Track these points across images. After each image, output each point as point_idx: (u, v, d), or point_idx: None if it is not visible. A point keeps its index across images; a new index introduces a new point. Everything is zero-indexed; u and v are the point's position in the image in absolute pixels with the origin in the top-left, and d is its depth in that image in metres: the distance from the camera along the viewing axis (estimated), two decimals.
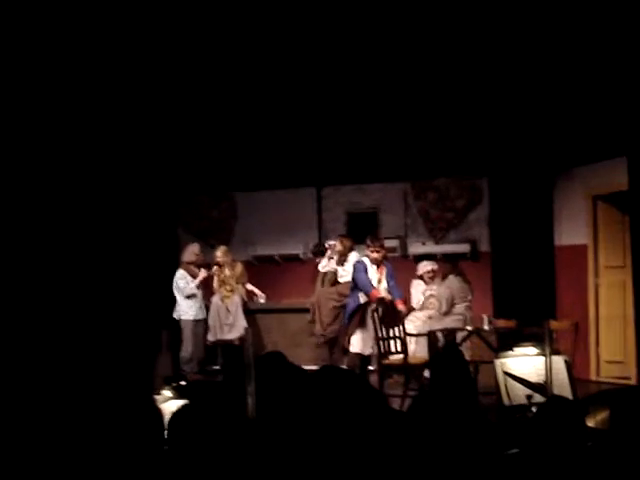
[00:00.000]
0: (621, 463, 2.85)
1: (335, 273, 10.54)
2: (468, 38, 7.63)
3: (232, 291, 10.62)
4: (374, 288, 8.81)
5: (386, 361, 8.48)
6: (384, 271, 9.04)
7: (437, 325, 9.09)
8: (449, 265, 9.74)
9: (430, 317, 9.69)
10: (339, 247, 10.38)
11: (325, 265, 10.65)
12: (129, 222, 10.56)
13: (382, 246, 9.14)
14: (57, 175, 9.21)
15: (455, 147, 10.23)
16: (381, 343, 8.44)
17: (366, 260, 9.03)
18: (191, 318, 10.32)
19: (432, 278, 10.16)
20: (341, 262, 10.41)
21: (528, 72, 8.28)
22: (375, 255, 8.99)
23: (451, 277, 9.36)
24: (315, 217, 11.75)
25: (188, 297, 10.32)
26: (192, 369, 10.21)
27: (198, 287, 10.38)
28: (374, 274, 8.96)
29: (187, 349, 10.25)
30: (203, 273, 10.41)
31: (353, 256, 10.29)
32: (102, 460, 2.73)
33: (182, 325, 10.33)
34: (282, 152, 10.64)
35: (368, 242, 9.11)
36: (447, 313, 9.29)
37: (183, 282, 10.36)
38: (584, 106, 8.68)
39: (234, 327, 10.35)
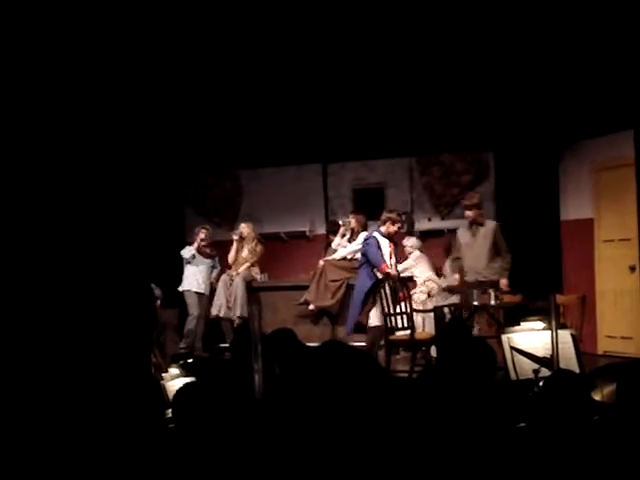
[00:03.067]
0: (627, 437, 2.86)
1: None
2: (472, 14, 7.59)
3: (248, 268, 10.68)
4: (384, 262, 8.80)
5: (392, 337, 8.50)
6: (393, 246, 9.04)
7: (444, 301, 9.11)
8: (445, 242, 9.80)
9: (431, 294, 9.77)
10: (354, 224, 10.36)
11: (338, 243, 10.63)
12: (132, 201, 10.55)
13: (402, 220, 9.08)
14: (57, 158, 9.20)
15: (460, 122, 10.19)
16: (388, 319, 8.45)
17: (378, 235, 8.96)
18: (193, 289, 10.38)
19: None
20: (353, 239, 10.40)
21: (534, 45, 8.23)
22: (395, 228, 8.95)
23: None
24: (321, 194, 11.73)
25: (189, 263, 10.38)
26: (190, 344, 10.25)
27: (198, 250, 10.41)
28: (387, 248, 8.92)
29: (189, 321, 10.30)
30: (202, 233, 10.48)
31: (363, 233, 10.32)
32: (104, 439, 2.75)
33: (185, 297, 10.38)
34: (287, 129, 10.61)
35: (390, 215, 9.01)
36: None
37: (186, 250, 10.45)
38: (590, 79, 8.63)
39: (234, 306, 10.38)
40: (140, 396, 2.89)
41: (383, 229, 8.96)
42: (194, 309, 10.35)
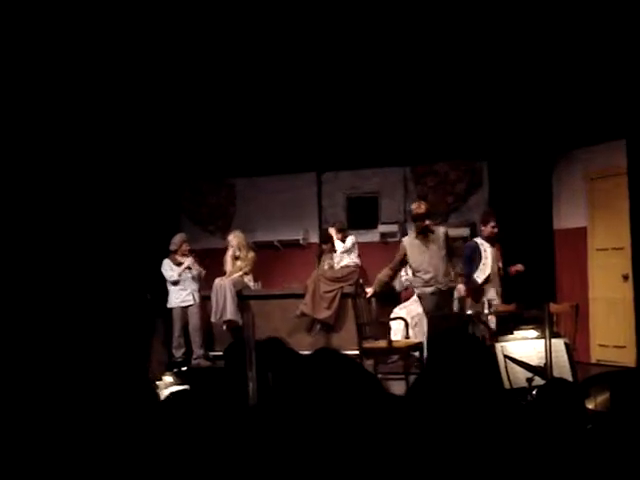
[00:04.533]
0: (621, 446, 2.86)
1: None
2: (465, 23, 7.61)
3: (241, 276, 10.67)
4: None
5: (367, 345, 8.50)
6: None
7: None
8: None
9: None
10: (333, 233, 10.47)
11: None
12: (129, 209, 10.56)
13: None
14: (54, 160, 9.20)
15: (454, 131, 10.22)
16: (362, 328, 8.52)
17: (479, 240, 8.86)
18: (176, 305, 10.37)
19: None
20: (335, 249, 10.49)
21: (527, 55, 8.27)
22: (496, 230, 8.82)
23: None
24: (315, 202, 11.74)
25: (173, 284, 10.37)
26: (181, 356, 10.26)
27: (180, 275, 10.38)
28: (488, 254, 8.77)
29: (174, 335, 10.34)
30: (188, 261, 10.43)
31: (348, 241, 10.39)
32: (99, 444, 2.74)
33: (172, 313, 10.40)
34: (282, 137, 10.64)
35: (487, 218, 8.90)
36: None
37: (167, 269, 10.42)
38: (583, 89, 8.66)
39: (224, 310, 10.38)
40: (136, 402, 2.89)
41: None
42: (177, 324, 10.36)
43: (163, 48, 7.89)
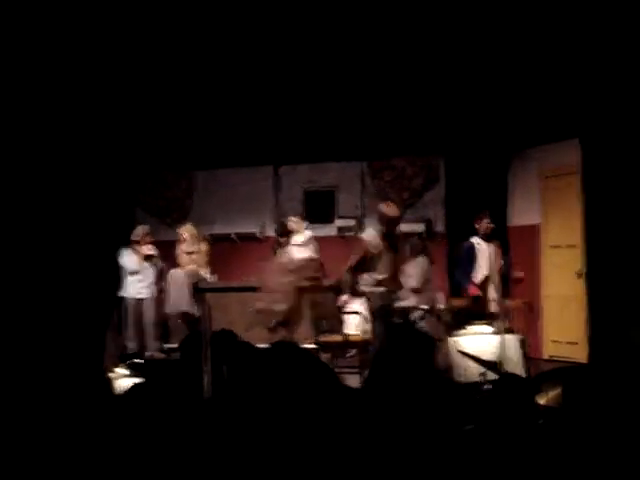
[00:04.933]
0: (571, 441, 2.91)
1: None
2: (422, 19, 7.65)
3: (196, 268, 10.62)
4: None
5: (324, 339, 8.52)
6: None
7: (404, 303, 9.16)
8: (421, 244, 9.76)
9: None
10: (291, 226, 10.43)
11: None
12: (82, 199, 10.44)
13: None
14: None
15: (412, 126, 10.26)
16: (323, 322, 8.55)
17: (476, 240, 8.78)
18: (131, 296, 10.27)
19: None
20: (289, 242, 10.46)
21: (483, 54, 8.33)
22: (491, 226, 8.74)
23: (420, 257, 9.36)
24: (272, 196, 11.73)
25: (131, 274, 10.28)
26: (134, 347, 10.18)
27: (140, 264, 10.28)
28: (485, 252, 8.71)
29: (127, 327, 10.24)
30: (147, 250, 10.32)
31: (307, 234, 10.37)
32: (53, 435, 2.73)
33: (125, 302, 10.30)
34: (240, 130, 10.59)
35: (481, 215, 8.84)
36: (418, 291, 9.37)
37: (125, 259, 10.30)
38: (538, 88, 8.76)
39: (178, 304, 10.33)
40: (91, 393, 2.87)
41: None
42: (131, 315, 10.26)
43: (119, 40, 7.81)
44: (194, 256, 10.73)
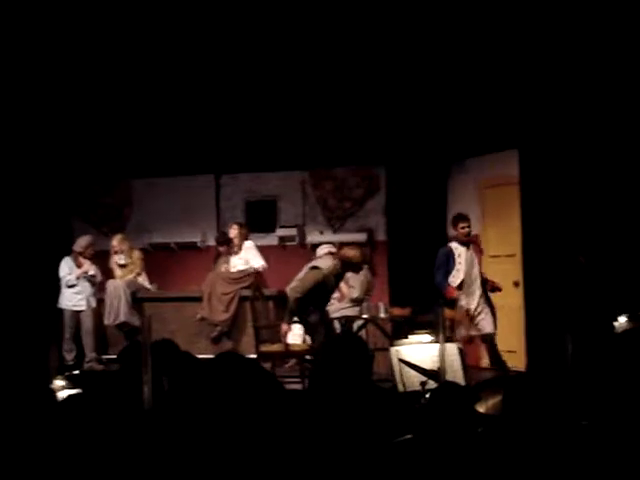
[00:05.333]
0: (511, 448, 2.94)
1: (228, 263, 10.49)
2: (362, 31, 7.71)
3: (134, 277, 10.48)
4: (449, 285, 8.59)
5: (264, 349, 8.52)
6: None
7: (336, 313, 9.18)
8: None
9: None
10: (234, 233, 10.35)
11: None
12: (16, 209, 10.27)
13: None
14: None
15: (352, 136, 10.30)
16: (262, 331, 8.53)
17: (453, 244, 8.68)
18: (70, 308, 10.12)
19: None
20: (234, 251, 10.39)
21: (423, 66, 8.42)
22: (467, 230, 8.64)
23: (365, 268, 9.38)
24: (213, 205, 11.66)
25: (69, 287, 10.13)
26: (72, 359, 10.02)
27: (78, 278, 10.14)
28: (462, 257, 8.62)
29: (65, 338, 10.08)
30: (86, 266, 10.18)
31: (248, 244, 10.32)
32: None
33: (63, 314, 10.14)
34: (180, 139, 10.53)
35: (456, 221, 8.73)
36: (359, 301, 9.41)
37: (65, 271, 10.14)
38: (477, 98, 8.88)
39: (118, 312, 10.20)
40: (34, 405, 2.82)
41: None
42: (68, 326, 10.10)
43: (60, 45, 7.71)
44: (130, 266, 10.57)
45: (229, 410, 2.76)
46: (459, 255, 8.62)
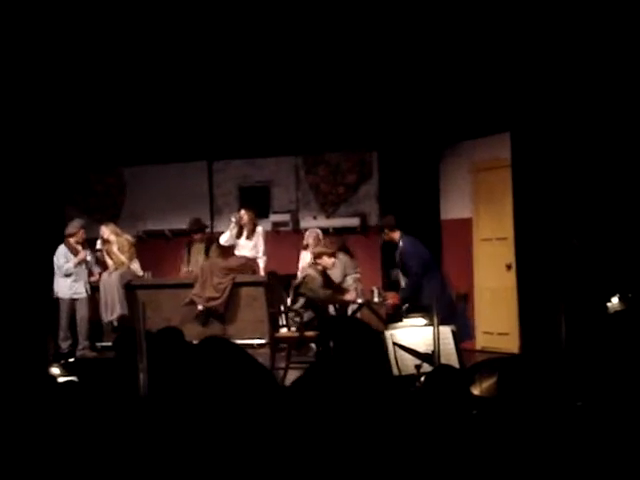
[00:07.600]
0: (505, 430, 2.96)
1: (231, 247, 10.47)
2: (352, 16, 7.70)
3: (120, 266, 10.45)
4: None
5: (279, 334, 8.54)
6: None
7: None
8: (338, 242, 9.84)
9: None
10: (246, 219, 10.32)
11: (227, 239, 10.50)
12: (11, 199, 10.25)
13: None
14: None
15: (345, 121, 10.29)
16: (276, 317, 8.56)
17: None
18: (67, 297, 10.11)
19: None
20: (241, 234, 10.34)
21: (415, 49, 8.41)
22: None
23: (340, 254, 9.45)
24: (206, 191, 11.65)
25: (66, 275, 10.11)
26: (68, 347, 10.03)
27: (76, 266, 10.13)
28: None
29: (61, 327, 10.08)
30: (83, 254, 10.18)
31: (260, 230, 10.31)
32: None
33: (59, 302, 10.13)
34: (172, 125, 10.50)
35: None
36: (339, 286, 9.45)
37: (62, 260, 10.13)
38: (469, 82, 8.87)
39: (113, 305, 10.19)
40: (36, 394, 2.83)
41: None
42: (65, 315, 10.10)
43: (50, 38, 7.69)
44: (123, 256, 10.53)
45: (214, 396, 2.77)
46: None
